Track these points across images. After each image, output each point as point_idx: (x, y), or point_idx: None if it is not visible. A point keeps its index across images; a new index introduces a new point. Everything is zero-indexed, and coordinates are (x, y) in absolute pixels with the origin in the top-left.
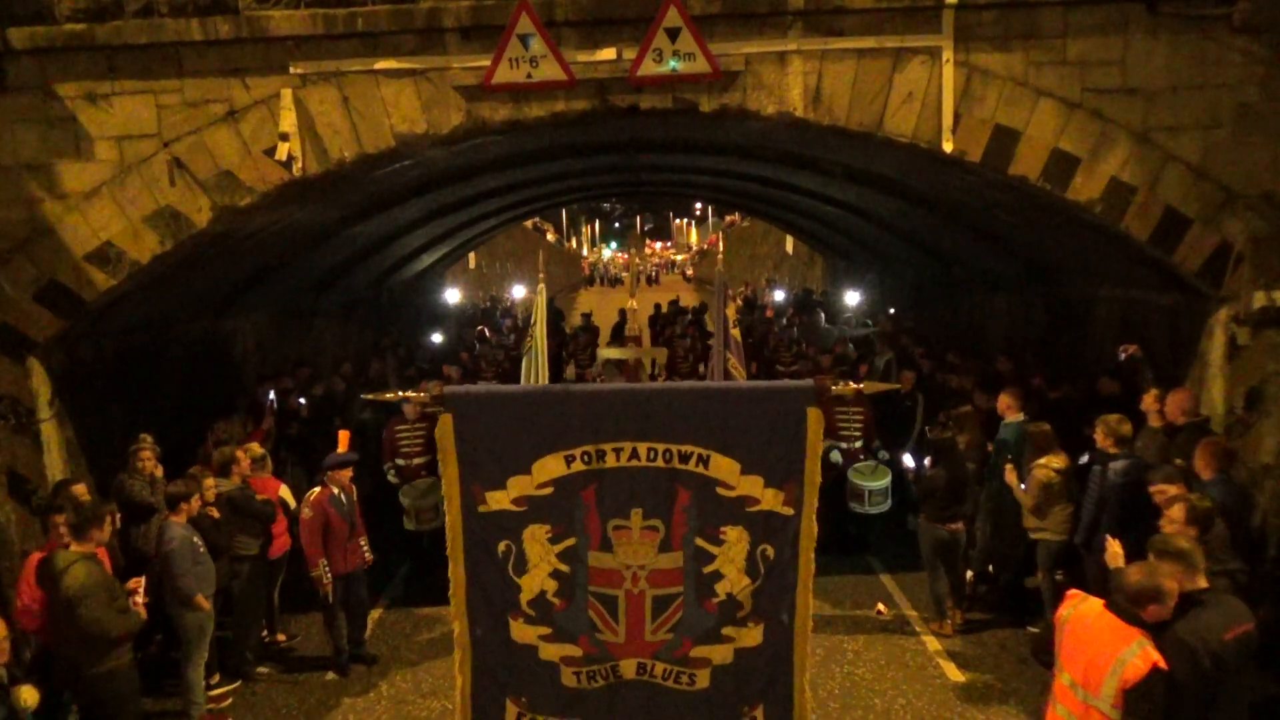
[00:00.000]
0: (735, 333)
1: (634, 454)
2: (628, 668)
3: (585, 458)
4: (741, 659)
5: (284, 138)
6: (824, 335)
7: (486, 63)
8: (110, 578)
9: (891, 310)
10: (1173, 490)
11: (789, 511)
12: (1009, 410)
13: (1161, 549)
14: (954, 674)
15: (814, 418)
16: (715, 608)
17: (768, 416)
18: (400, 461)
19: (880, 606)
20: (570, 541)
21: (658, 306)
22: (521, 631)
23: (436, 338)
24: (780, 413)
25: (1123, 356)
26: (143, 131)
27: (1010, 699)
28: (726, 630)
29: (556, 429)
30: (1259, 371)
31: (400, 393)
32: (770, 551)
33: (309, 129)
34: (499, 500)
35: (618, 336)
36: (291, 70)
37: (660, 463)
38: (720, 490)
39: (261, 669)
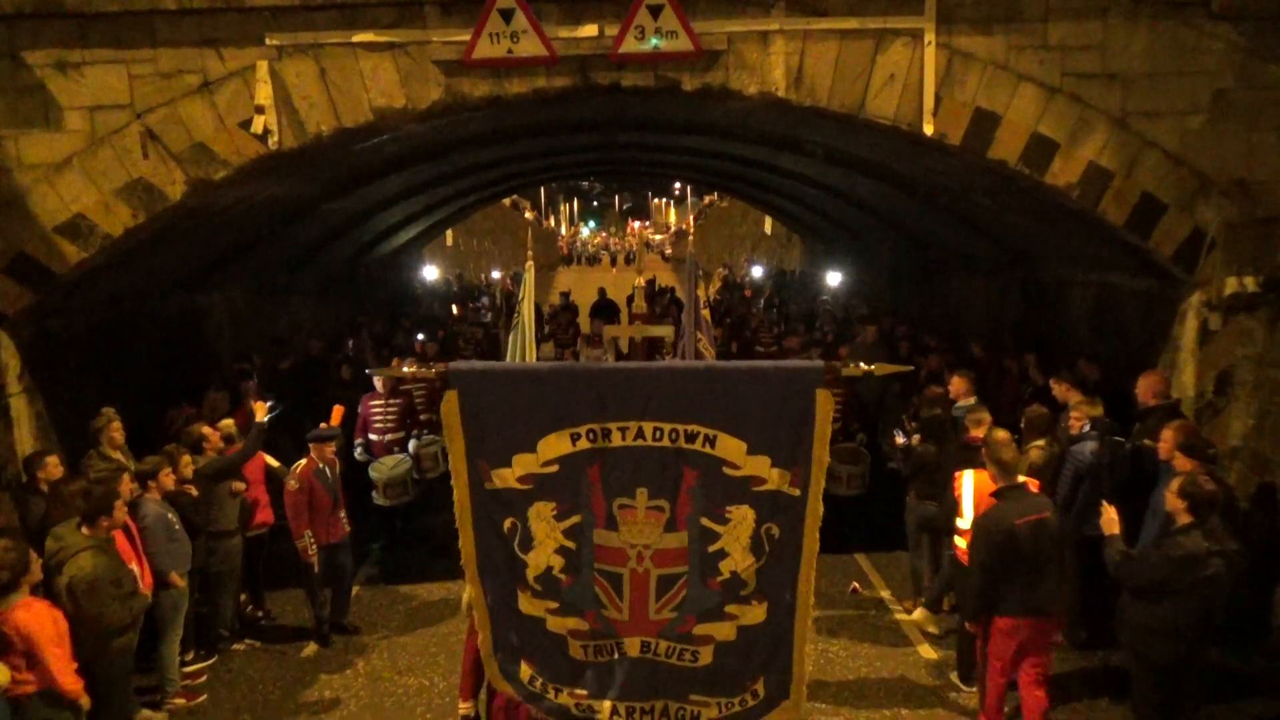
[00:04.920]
0: (705, 313)
1: (640, 433)
2: (631, 646)
3: (590, 436)
4: (744, 636)
5: (260, 110)
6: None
7: (467, 37)
8: (118, 565)
9: (844, 303)
10: (1189, 466)
11: (795, 492)
12: (962, 394)
13: (986, 455)
14: (927, 651)
15: (823, 399)
16: (719, 586)
17: (776, 397)
18: (373, 437)
19: (855, 584)
20: (576, 519)
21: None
22: (530, 604)
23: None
24: (789, 394)
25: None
26: (115, 102)
27: None
28: (730, 608)
29: (562, 407)
30: (1229, 356)
31: (407, 368)
32: (775, 530)
33: (285, 102)
34: (505, 478)
35: (599, 314)
36: (268, 41)
37: (666, 442)
38: (727, 470)
39: (238, 645)
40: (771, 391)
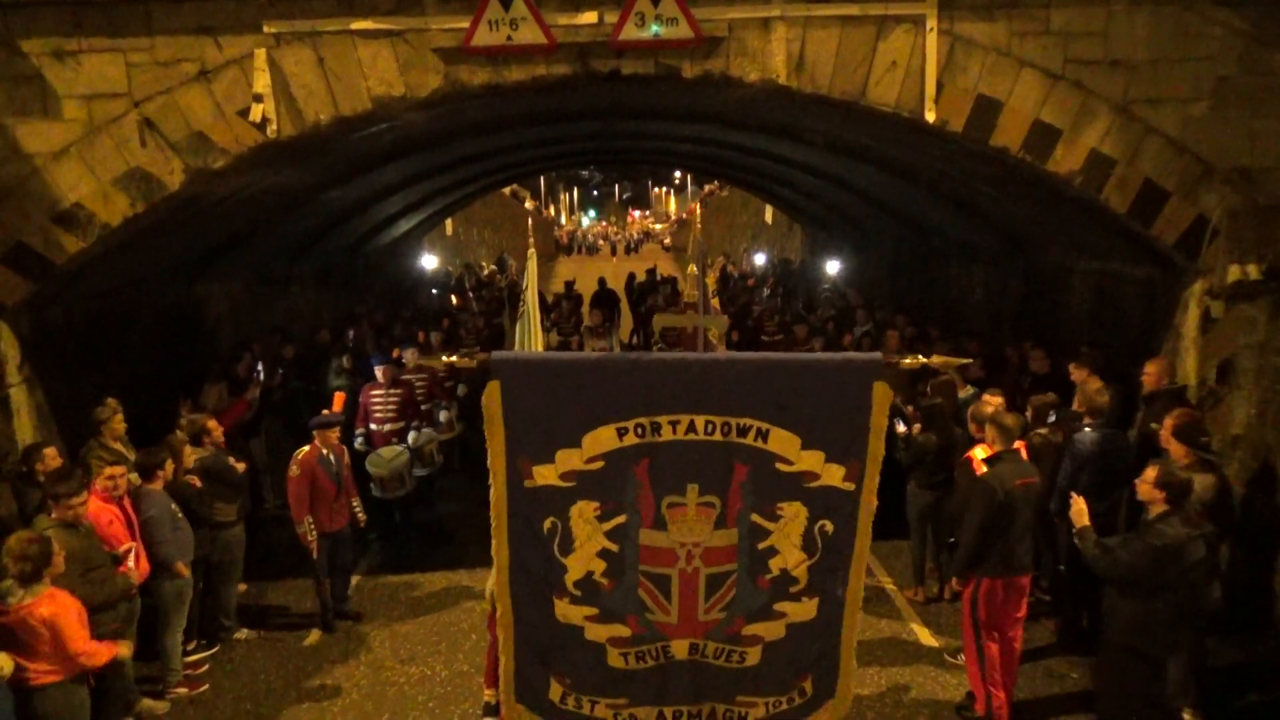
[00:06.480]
0: (715, 302)
1: (690, 427)
2: (679, 648)
3: (639, 430)
4: (794, 633)
5: (258, 99)
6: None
7: (465, 24)
8: (87, 547)
9: (843, 292)
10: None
11: (849, 487)
12: (958, 386)
13: (990, 418)
14: (927, 639)
15: (880, 392)
16: (768, 584)
17: (831, 390)
18: (373, 426)
19: None
20: (620, 519)
21: (631, 276)
22: (566, 611)
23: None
24: (845, 386)
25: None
26: (112, 90)
27: None
28: (779, 606)
29: (609, 400)
30: (1231, 344)
31: (446, 357)
32: (829, 527)
33: (283, 90)
34: (546, 475)
35: (599, 304)
36: (265, 29)
37: (718, 436)
38: (779, 465)
39: (239, 635)
40: (827, 384)
